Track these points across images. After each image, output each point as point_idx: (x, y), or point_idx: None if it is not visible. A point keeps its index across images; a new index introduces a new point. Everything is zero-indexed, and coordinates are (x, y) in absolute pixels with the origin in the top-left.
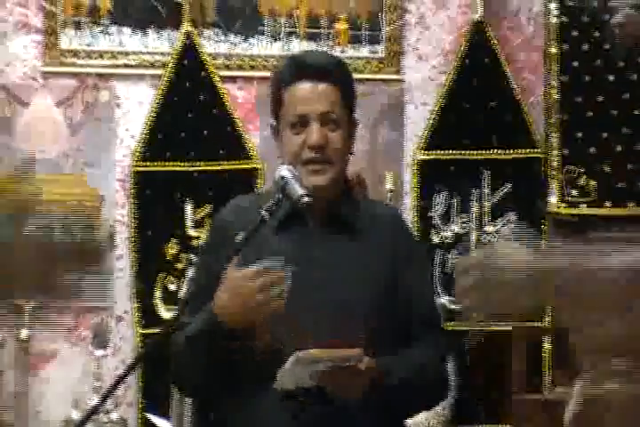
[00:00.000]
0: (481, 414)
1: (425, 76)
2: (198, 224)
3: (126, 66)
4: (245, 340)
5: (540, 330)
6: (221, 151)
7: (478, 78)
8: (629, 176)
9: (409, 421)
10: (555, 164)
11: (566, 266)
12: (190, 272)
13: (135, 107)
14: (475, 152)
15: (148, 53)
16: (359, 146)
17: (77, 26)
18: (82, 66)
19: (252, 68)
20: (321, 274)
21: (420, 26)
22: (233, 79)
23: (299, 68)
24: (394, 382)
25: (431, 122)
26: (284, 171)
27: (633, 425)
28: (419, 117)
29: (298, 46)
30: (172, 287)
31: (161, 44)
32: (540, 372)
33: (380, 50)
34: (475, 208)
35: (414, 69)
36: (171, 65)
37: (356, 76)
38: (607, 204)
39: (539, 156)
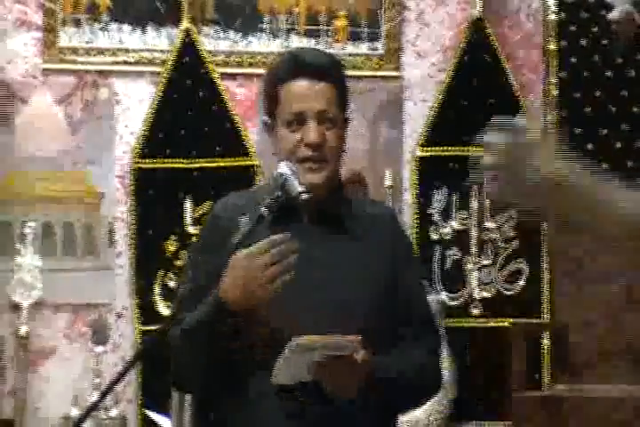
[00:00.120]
0: (480, 412)
1: (424, 73)
2: (197, 221)
3: (126, 63)
4: (246, 329)
5: (538, 326)
6: (220, 148)
7: (477, 75)
8: (628, 172)
9: (408, 417)
10: None
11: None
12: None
13: (135, 104)
14: (474, 149)
15: (148, 51)
16: (358, 143)
17: (77, 23)
18: (81, 63)
19: (252, 65)
20: (312, 271)
21: (419, 23)
22: (232, 76)
23: (296, 66)
24: (389, 376)
25: (430, 119)
26: (284, 167)
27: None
28: (418, 114)
29: (297, 43)
30: (172, 284)
31: (160, 41)
32: (540, 369)
33: (380, 47)
34: (474, 205)
35: (413, 66)
36: (170, 62)
37: (355, 72)
38: None
39: None
